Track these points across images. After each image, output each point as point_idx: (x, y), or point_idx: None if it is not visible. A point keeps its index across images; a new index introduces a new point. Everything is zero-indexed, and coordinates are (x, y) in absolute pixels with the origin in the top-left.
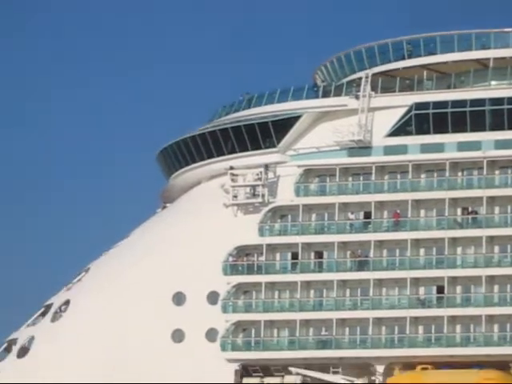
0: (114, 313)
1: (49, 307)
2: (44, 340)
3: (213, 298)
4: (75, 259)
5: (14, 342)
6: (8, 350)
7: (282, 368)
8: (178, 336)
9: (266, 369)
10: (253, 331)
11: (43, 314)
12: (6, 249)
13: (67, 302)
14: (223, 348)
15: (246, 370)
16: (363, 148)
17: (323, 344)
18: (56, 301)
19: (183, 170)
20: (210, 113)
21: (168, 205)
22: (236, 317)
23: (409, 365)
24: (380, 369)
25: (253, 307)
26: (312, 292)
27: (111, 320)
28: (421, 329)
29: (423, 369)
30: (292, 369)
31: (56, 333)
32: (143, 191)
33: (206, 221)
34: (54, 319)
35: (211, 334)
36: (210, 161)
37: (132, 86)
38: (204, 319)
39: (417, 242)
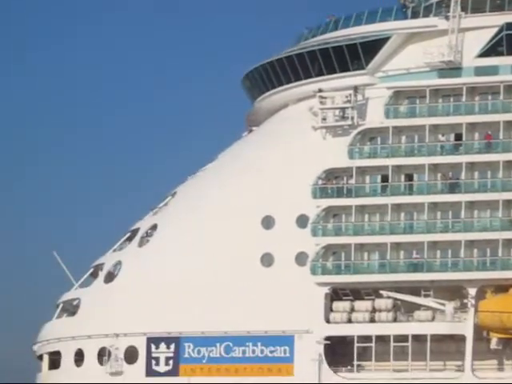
0: (201, 237)
1: (135, 232)
2: (131, 265)
3: (302, 221)
4: (161, 184)
5: (100, 267)
6: (94, 275)
7: (373, 291)
8: (267, 260)
9: (356, 292)
10: (343, 254)
11: (129, 239)
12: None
13: (154, 227)
14: (313, 272)
15: (335, 293)
16: (453, 69)
17: (414, 267)
18: (142, 225)
19: (269, 93)
20: (296, 36)
21: (254, 128)
22: (326, 240)
23: (501, 287)
24: (472, 292)
25: (343, 230)
26: (402, 215)
27: (198, 244)
28: None
29: None
30: (383, 292)
31: (143, 257)
32: (228, 115)
33: (294, 144)
34: (141, 244)
35: (301, 258)
36: (297, 83)
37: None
38: (293, 243)
39: (509, 164)
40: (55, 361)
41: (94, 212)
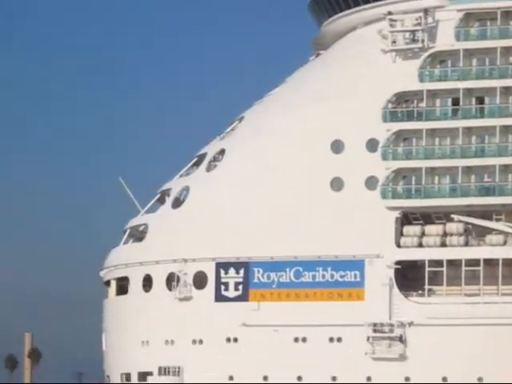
0: (269, 162)
1: (202, 157)
2: (199, 190)
3: (372, 145)
4: (227, 109)
5: (167, 192)
6: (161, 200)
7: (444, 216)
8: (336, 184)
9: (426, 217)
10: (413, 178)
11: (196, 164)
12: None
13: (222, 152)
14: (383, 196)
15: (406, 218)
16: None
17: (486, 191)
18: (210, 150)
19: (337, 16)
20: None
21: (321, 52)
22: (396, 164)
23: None
24: None
25: (413, 154)
26: (473, 138)
27: (267, 169)
28: None
29: None
30: (454, 216)
31: (211, 182)
32: (294, 39)
33: (363, 67)
34: (208, 169)
35: (371, 182)
36: (365, 6)
37: None
38: (363, 167)
39: None
40: (123, 286)
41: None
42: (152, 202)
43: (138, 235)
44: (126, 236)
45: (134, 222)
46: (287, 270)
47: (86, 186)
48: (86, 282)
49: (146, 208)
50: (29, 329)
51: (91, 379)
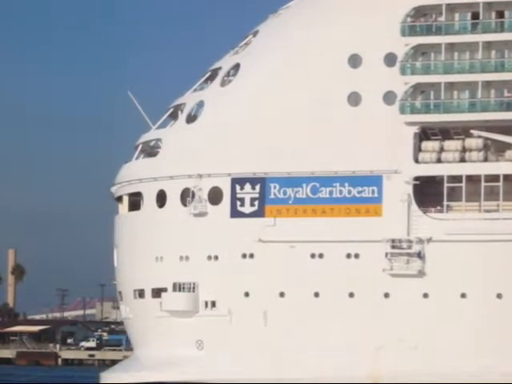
0: (285, 76)
1: (216, 71)
2: (214, 104)
3: (390, 59)
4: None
5: (180, 107)
6: (173, 115)
7: (462, 131)
8: (354, 99)
9: (445, 132)
10: (432, 93)
11: (210, 79)
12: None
13: (237, 66)
14: (402, 111)
15: (424, 133)
16: None
17: (506, 106)
18: (224, 65)
19: None
20: None
21: None
22: (415, 79)
23: None
24: None
25: (432, 69)
26: (493, 53)
27: (283, 84)
28: None
29: None
30: (473, 131)
31: (227, 97)
32: None
33: None
34: (223, 83)
35: (389, 97)
36: None
37: None
38: (381, 82)
39: None
40: (135, 202)
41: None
42: (164, 117)
43: (150, 151)
44: (138, 151)
45: (147, 137)
46: (304, 185)
47: (95, 100)
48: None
49: (158, 123)
50: (13, 245)
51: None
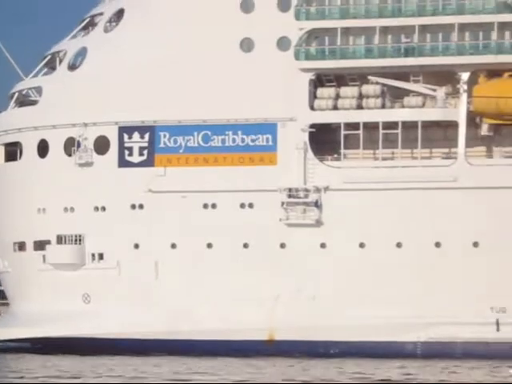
0: (174, 21)
1: (96, 17)
2: (98, 51)
3: (284, 4)
4: None
5: (57, 55)
6: (50, 63)
7: (358, 77)
8: (246, 45)
9: (340, 78)
10: (327, 39)
11: (91, 25)
12: None
13: (121, 11)
14: (297, 57)
15: (319, 80)
16: None
17: (404, 51)
18: (106, 10)
19: None
20: None
21: None
22: (310, 24)
23: (494, 72)
24: (464, 76)
25: (327, 14)
26: None
27: (172, 28)
28: (508, 35)
29: (511, 76)
30: (371, 78)
31: (111, 43)
32: None
33: None
34: (107, 29)
35: (283, 43)
36: None
37: None
38: (275, 27)
39: None
40: (12, 152)
41: None
42: (40, 65)
43: (22, 99)
44: (13, 100)
45: (23, 85)
46: (195, 134)
47: None
48: None
49: (33, 72)
50: None
51: None
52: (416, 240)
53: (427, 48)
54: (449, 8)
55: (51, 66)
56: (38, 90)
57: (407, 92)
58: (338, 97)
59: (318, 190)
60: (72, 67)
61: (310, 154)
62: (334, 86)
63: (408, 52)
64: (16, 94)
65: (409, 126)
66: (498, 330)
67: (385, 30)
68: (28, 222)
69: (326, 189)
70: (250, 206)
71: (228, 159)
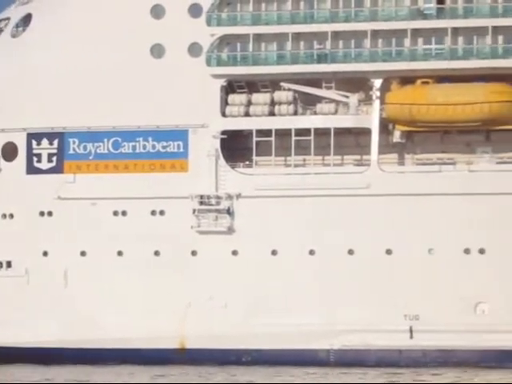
0: (84, 26)
1: (1, 22)
2: (5, 56)
3: (195, 10)
4: None
5: None
6: None
7: (270, 84)
8: (157, 51)
9: (252, 85)
10: (239, 45)
11: None
12: None
13: (28, 17)
14: (208, 63)
15: (231, 86)
16: None
17: (316, 58)
18: (13, 15)
19: None
20: None
21: None
22: (221, 30)
23: (407, 79)
24: (377, 83)
25: (238, 20)
26: (302, 4)
27: (82, 34)
28: (421, 41)
29: (424, 83)
30: (283, 84)
31: (20, 49)
32: None
33: None
34: (14, 35)
35: (194, 49)
36: None
37: None
38: (186, 33)
39: None
40: None
41: None
42: None
43: None
44: None
45: None
46: (105, 140)
47: None
48: None
49: None
50: None
51: None
52: (329, 247)
53: (340, 54)
54: (361, 15)
55: None
56: None
57: (320, 99)
58: (249, 103)
59: (229, 197)
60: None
61: (222, 160)
62: (245, 92)
63: (320, 58)
64: None
65: (321, 133)
66: (411, 337)
67: (297, 37)
68: None
69: (238, 196)
70: (161, 213)
71: (139, 166)
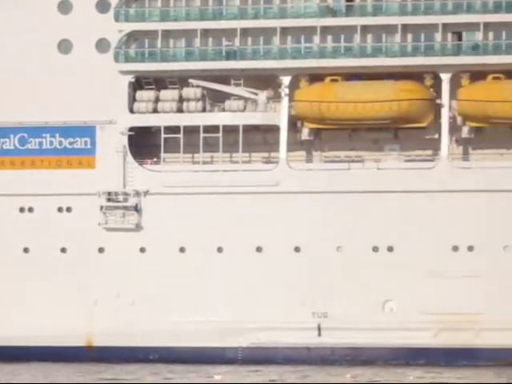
0: None
1: None
2: None
3: (103, 6)
4: None
5: None
6: None
7: (178, 80)
8: (64, 46)
9: (160, 81)
10: (147, 42)
11: None
12: None
13: None
14: (116, 59)
15: (139, 83)
16: None
17: (225, 55)
18: None
19: None
20: None
21: None
22: (129, 26)
23: (316, 76)
24: (286, 80)
25: (147, 16)
26: (211, 0)
27: None
28: (330, 39)
29: (333, 80)
30: (192, 81)
31: None
32: None
33: None
34: None
35: (102, 45)
36: None
37: None
38: (94, 29)
39: None
40: None
41: None
42: None
43: None
44: None
45: None
46: (11, 136)
47: None
48: None
49: None
50: None
51: None
52: (237, 244)
53: (249, 51)
54: (270, 12)
55: None
56: None
57: (228, 95)
58: (157, 100)
59: (137, 194)
60: None
61: (130, 157)
62: (153, 88)
63: (229, 55)
64: None
65: (229, 130)
66: (319, 335)
67: (206, 33)
68: None
69: (146, 193)
70: (68, 209)
71: (45, 162)
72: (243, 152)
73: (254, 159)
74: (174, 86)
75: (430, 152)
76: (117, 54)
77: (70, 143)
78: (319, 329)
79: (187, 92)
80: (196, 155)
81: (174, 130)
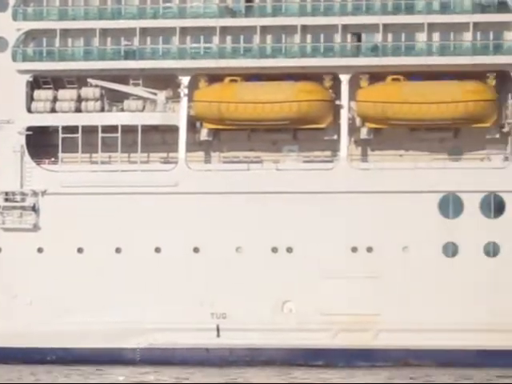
0: None
1: None
2: None
3: (2, 5)
4: None
5: None
6: None
7: (77, 80)
8: None
9: (57, 81)
10: (45, 41)
11: None
12: None
13: None
14: (14, 58)
15: (36, 82)
16: None
17: (123, 54)
18: None
19: None
20: None
21: None
22: (27, 25)
23: (215, 77)
24: (185, 81)
25: (45, 15)
26: (109, 0)
27: None
28: (229, 39)
29: (232, 81)
30: (90, 80)
31: None
32: None
33: None
34: None
35: (0, 44)
36: None
37: None
38: None
39: None
40: None
41: None
42: None
43: None
44: None
45: None
46: None
47: None
48: None
49: None
50: None
51: None
52: (136, 245)
53: (148, 51)
54: (170, 11)
55: None
56: None
57: (127, 95)
58: (55, 99)
59: (35, 193)
60: None
61: (28, 157)
62: (51, 88)
63: (128, 55)
64: None
65: (128, 130)
66: (218, 335)
67: (104, 33)
68: None
69: (44, 193)
70: None
71: None
72: (142, 152)
73: (152, 159)
74: (73, 86)
75: (328, 153)
76: (15, 53)
77: None
78: (218, 329)
79: (86, 92)
80: (94, 155)
81: (72, 129)
